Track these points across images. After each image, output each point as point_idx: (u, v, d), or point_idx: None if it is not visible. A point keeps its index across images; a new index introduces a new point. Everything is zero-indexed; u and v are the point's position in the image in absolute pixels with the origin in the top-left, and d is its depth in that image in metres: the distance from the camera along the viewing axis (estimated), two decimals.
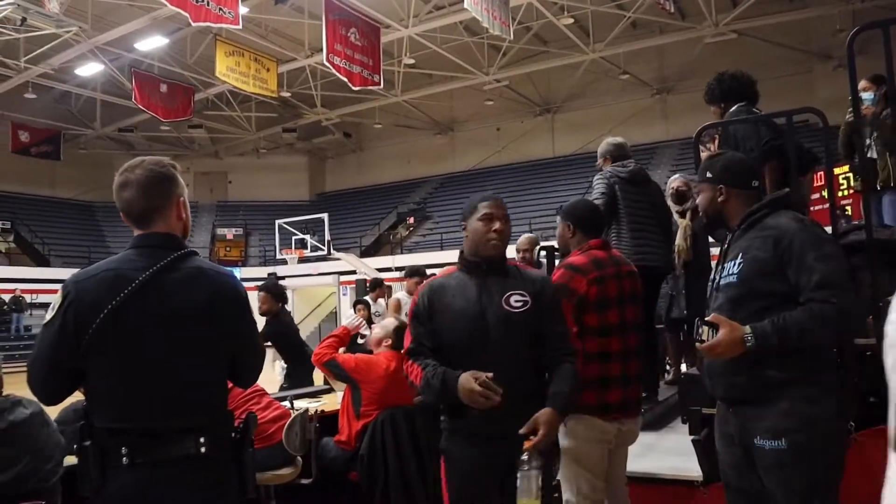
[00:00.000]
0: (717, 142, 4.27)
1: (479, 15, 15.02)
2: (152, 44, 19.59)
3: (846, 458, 2.35)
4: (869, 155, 4.61)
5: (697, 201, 2.64)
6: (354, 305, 7.96)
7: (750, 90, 4.00)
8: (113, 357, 1.91)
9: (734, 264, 2.40)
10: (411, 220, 28.18)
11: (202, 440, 1.95)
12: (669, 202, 5.14)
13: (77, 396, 2.08)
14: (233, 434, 2.10)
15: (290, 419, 3.92)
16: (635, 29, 22.41)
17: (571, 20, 20.49)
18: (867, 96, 4.72)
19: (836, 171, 6.81)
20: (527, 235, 6.17)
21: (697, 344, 2.31)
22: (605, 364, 2.97)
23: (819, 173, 11.70)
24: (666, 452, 3.98)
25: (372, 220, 29.22)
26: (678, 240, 4.89)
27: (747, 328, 2.21)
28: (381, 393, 4.20)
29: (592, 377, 2.93)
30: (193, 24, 14.17)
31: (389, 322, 4.59)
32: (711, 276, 2.57)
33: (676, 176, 5.62)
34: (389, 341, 4.43)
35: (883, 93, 4.79)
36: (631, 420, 3.08)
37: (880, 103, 4.79)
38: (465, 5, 14.71)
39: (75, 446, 1.95)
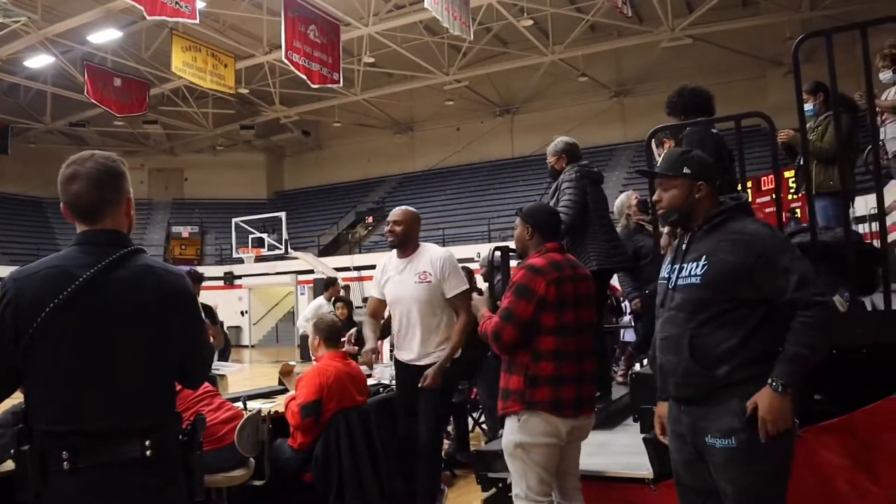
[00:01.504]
0: (670, 144, 4.36)
1: (440, 15, 15.02)
2: (106, 36, 19.14)
3: (793, 455, 2.40)
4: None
5: (663, 196, 2.58)
6: (333, 304, 7.86)
7: (708, 105, 4.12)
8: (54, 357, 1.86)
9: (697, 266, 2.42)
10: (370, 219, 28.04)
11: (148, 443, 1.91)
12: (628, 213, 5.26)
13: (16, 399, 2.02)
14: (180, 436, 2.07)
15: (243, 420, 3.87)
16: (594, 32, 22.64)
17: (531, 22, 20.62)
18: (808, 107, 4.85)
19: (786, 174, 6.96)
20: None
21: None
22: (560, 363, 3.04)
23: (769, 176, 12.03)
24: (618, 451, 4.03)
25: (330, 220, 29.02)
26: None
27: (771, 382, 2.25)
28: (339, 398, 4.20)
29: (547, 375, 3.01)
30: (149, 18, 13.91)
31: (317, 324, 4.58)
32: (664, 275, 2.59)
33: (629, 192, 5.77)
34: (319, 340, 4.45)
35: (821, 100, 4.94)
36: (584, 417, 3.16)
37: (821, 109, 4.94)
38: (426, 5, 14.70)
39: (12, 451, 1.88)
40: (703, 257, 2.41)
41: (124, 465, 1.88)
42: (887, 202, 4.09)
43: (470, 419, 6.72)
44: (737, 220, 2.45)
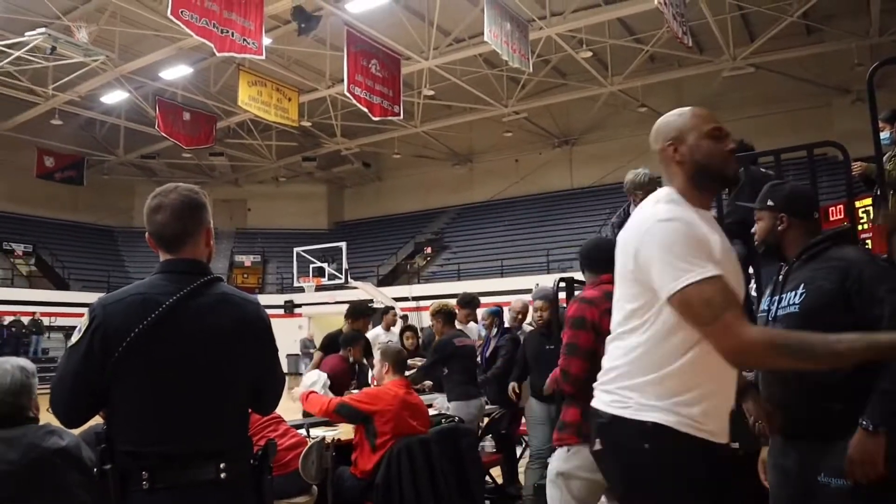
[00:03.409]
0: None
1: (499, 48, 15.16)
2: (177, 73, 19.93)
3: None
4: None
5: (755, 229, 2.63)
6: (402, 334, 7.85)
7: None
8: (138, 380, 1.93)
9: (795, 294, 2.38)
10: (429, 249, 28.22)
11: (222, 465, 1.96)
12: None
13: (97, 420, 2.09)
14: (252, 461, 2.11)
15: (307, 447, 3.92)
16: (653, 62, 22.52)
17: (590, 54, 20.63)
18: (884, 136, 4.74)
19: (858, 204, 6.76)
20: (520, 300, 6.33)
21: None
22: None
23: (836, 206, 11.71)
24: None
25: (389, 250, 29.29)
26: None
27: (861, 422, 2.18)
28: (395, 421, 4.20)
29: None
30: (218, 55, 14.40)
31: (384, 351, 4.63)
32: (764, 307, 2.54)
33: None
34: (388, 367, 4.49)
35: None
36: None
37: None
38: (486, 38, 14.87)
39: (95, 470, 1.96)
40: (801, 286, 2.37)
41: (200, 487, 1.93)
42: None
43: (518, 449, 6.67)
44: (837, 248, 2.41)
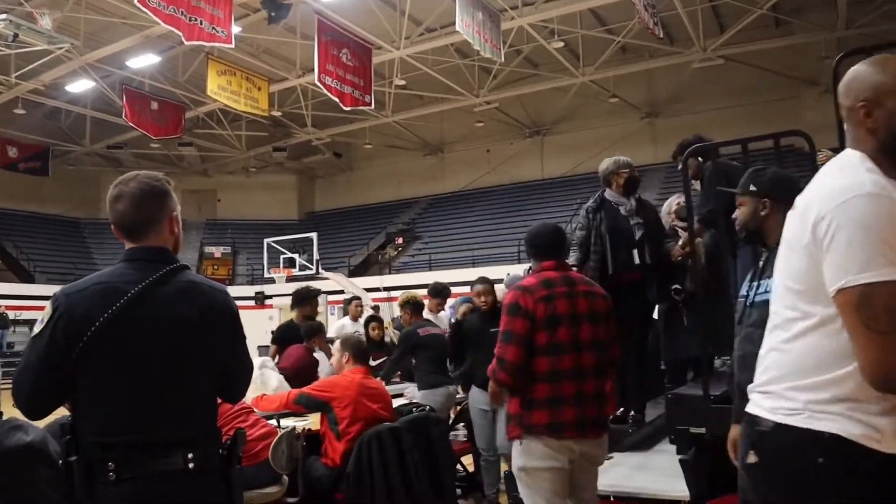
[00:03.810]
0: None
1: (471, 38, 15.14)
2: (144, 62, 19.61)
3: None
4: None
5: (736, 214, 2.63)
6: (367, 324, 7.80)
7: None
8: (103, 370, 1.90)
9: (773, 281, 2.40)
10: (400, 240, 28.18)
11: (190, 455, 1.94)
12: (671, 219, 5.15)
13: (63, 412, 2.06)
14: (221, 450, 2.10)
15: (277, 437, 3.90)
16: (625, 53, 22.66)
17: (562, 44, 20.70)
18: None
19: None
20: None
21: None
22: (555, 384, 3.00)
23: None
24: (653, 472, 3.99)
25: (361, 240, 29.21)
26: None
27: None
28: (353, 406, 4.22)
29: (543, 397, 2.99)
30: (186, 43, 14.21)
31: (344, 340, 4.68)
32: (743, 292, 2.57)
33: (675, 197, 5.64)
34: (347, 357, 4.52)
35: None
36: (590, 440, 3.08)
37: None
38: (457, 28, 14.84)
39: (60, 462, 1.93)
40: None
41: (167, 477, 1.92)
42: None
43: None
44: None
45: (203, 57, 18.84)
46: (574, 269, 4.45)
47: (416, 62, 20.73)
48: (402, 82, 22.53)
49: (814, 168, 3.57)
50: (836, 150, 3.97)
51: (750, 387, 1.79)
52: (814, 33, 19.66)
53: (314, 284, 10.23)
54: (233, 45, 14.48)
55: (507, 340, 3.05)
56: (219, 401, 2.19)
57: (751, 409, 1.75)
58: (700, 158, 4.61)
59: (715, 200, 3.97)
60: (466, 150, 29.51)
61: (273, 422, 4.42)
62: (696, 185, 5.04)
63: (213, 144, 28.19)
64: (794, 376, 1.62)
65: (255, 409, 4.25)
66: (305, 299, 6.73)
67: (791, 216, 1.72)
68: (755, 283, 2.49)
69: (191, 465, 1.94)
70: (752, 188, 2.55)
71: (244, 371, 2.22)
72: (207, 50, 17.88)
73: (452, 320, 7.07)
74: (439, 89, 23.29)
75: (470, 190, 28.98)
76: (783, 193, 2.52)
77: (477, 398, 5.37)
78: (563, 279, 3.16)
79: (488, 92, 23.50)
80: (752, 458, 1.73)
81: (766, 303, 2.39)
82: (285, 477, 4.04)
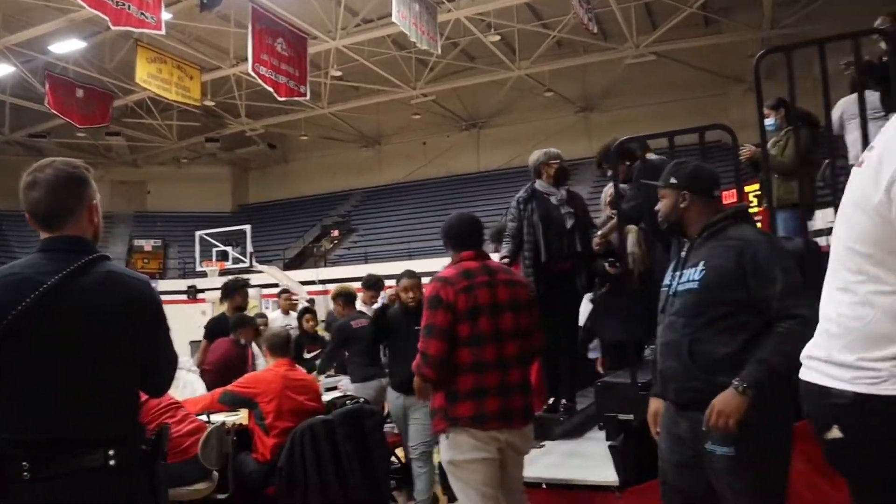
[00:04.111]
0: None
1: (408, 29, 15.07)
2: (68, 47, 18.83)
3: (790, 461, 2.44)
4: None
5: (658, 206, 2.68)
6: (301, 316, 7.69)
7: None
8: (17, 364, 1.82)
9: (695, 271, 2.46)
10: (336, 232, 27.93)
11: (111, 452, 1.88)
12: (608, 210, 5.21)
13: None
14: (144, 446, 2.04)
15: (207, 432, 3.83)
16: (560, 48, 22.90)
17: (498, 37, 20.79)
18: (769, 122, 5.00)
19: (747, 188, 7.10)
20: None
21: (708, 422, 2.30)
22: (479, 374, 3.00)
23: (731, 190, 12.23)
24: (584, 459, 4.05)
25: (296, 233, 28.84)
26: (631, 247, 4.69)
27: (734, 381, 2.27)
28: (278, 400, 4.20)
29: (467, 389, 2.99)
30: (113, 28, 13.73)
31: (263, 336, 4.68)
32: (666, 282, 2.62)
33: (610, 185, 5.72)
34: (266, 351, 4.52)
35: (782, 115, 5.07)
36: (517, 428, 3.10)
37: (782, 124, 5.08)
38: (394, 19, 14.73)
39: None
40: (702, 263, 2.46)
41: (86, 475, 1.85)
42: None
43: None
44: (735, 227, 2.50)
45: (132, 44, 18.23)
46: (506, 259, 4.50)
47: (352, 53, 20.54)
48: (339, 73, 22.28)
49: (736, 161, 3.70)
50: (759, 146, 4.11)
51: (808, 354, 1.69)
52: (740, 32, 20.27)
53: (248, 277, 10.17)
54: (163, 32, 14.04)
55: (429, 334, 3.02)
56: (145, 396, 2.13)
57: (818, 379, 1.63)
58: (627, 162, 4.67)
59: (642, 195, 4.05)
60: (403, 142, 29.40)
61: (204, 417, 4.34)
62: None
63: (143, 134, 27.35)
64: (871, 343, 1.52)
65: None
66: (234, 290, 6.65)
67: (859, 174, 1.59)
68: (678, 273, 2.56)
69: (112, 463, 1.88)
70: (673, 181, 2.61)
71: (168, 364, 2.15)
72: (136, 36, 17.27)
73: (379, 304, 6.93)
74: (376, 81, 23.12)
75: (406, 182, 28.91)
76: (702, 186, 2.60)
77: (394, 403, 5.14)
78: (482, 269, 3.14)
79: (425, 84, 23.45)
80: (835, 434, 1.60)
81: (689, 292, 2.46)
82: (215, 473, 3.98)
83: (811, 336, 2.29)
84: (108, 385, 1.93)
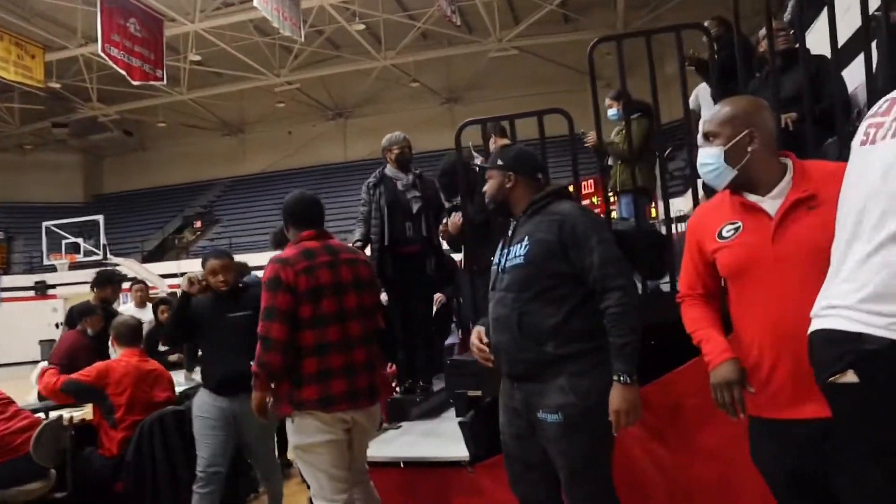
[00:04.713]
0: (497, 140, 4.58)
1: (269, 14, 14.73)
2: None
3: None
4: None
5: (486, 188, 2.76)
6: (156, 307, 7.32)
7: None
8: None
9: (521, 247, 2.55)
10: (198, 223, 26.95)
11: None
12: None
13: None
14: None
15: (39, 428, 3.62)
16: (426, 39, 23.07)
17: (363, 26, 20.70)
18: (612, 113, 5.32)
19: None
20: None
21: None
22: (323, 357, 2.99)
23: (588, 180, 12.91)
24: (439, 438, 4.12)
25: (156, 224, 27.58)
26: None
27: (617, 377, 2.38)
28: (131, 391, 4.03)
29: (311, 372, 2.97)
30: None
31: (113, 324, 4.48)
32: (496, 260, 2.70)
33: None
34: (112, 339, 4.37)
35: (621, 106, 5.39)
36: (364, 409, 3.12)
37: (623, 116, 5.39)
38: (255, 4, 14.37)
39: None
40: (526, 238, 2.55)
41: None
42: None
43: None
44: (556, 203, 2.61)
45: None
46: (358, 243, 4.52)
47: (212, 37, 19.83)
48: (198, 58, 21.46)
49: (573, 145, 3.88)
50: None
51: (830, 304, 1.67)
52: (595, 30, 21.12)
53: (122, 273, 9.63)
54: None
55: (269, 317, 2.94)
56: None
57: (847, 326, 1.60)
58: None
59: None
60: (267, 131, 28.73)
61: (42, 415, 4.10)
62: None
63: None
64: None
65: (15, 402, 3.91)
66: (108, 282, 6.34)
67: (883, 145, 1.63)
68: (505, 251, 2.67)
69: None
70: (500, 163, 2.72)
71: None
72: None
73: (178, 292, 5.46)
74: (238, 67, 22.44)
75: (271, 172, 28.29)
76: (527, 167, 2.73)
77: (204, 404, 4.01)
78: (324, 248, 3.11)
79: (289, 72, 23.01)
80: (849, 378, 1.58)
81: (515, 267, 2.58)
82: (52, 471, 3.76)
83: (636, 302, 2.47)
84: None
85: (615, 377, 2.40)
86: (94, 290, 6.30)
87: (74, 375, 4.07)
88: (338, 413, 2.99)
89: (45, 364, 5.89)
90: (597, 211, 5.34)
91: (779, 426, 2.00)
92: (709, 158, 2.08)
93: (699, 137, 2.16)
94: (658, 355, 3.00)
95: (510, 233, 2.69)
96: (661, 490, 3.14)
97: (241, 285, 4.25)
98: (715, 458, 2.97)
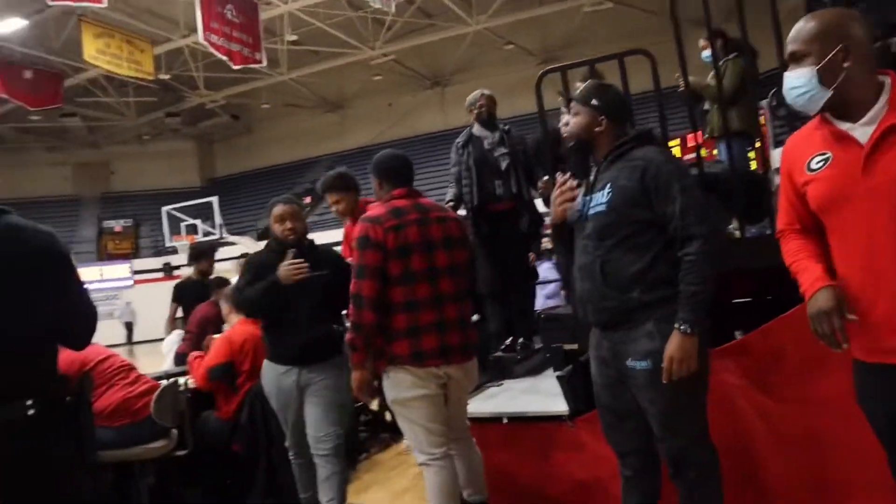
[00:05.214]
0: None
1: None
2: (10, 26, 18.30)
3: (709, 372, 2.50)
4: None
5: (569, 122, 2.66)
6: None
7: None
8: None
9: (603, 194, 2.49)
10: (308, 199, 27.75)
11: (29, 403, 1.88)
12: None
13: None
14: (67, 397, 2.04)
15: (159, 390, 3.83)
16: (517, 0, 22.67)
17: None
18: (706, 54, 5.02)
19: None
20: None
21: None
22: (413, 313, 2.99)
23: (695, 134, 12.39)
24: (540, 394, 4.10)
25: (267, 203, 28.29)
26: None
27: (678, 326, 2.32)
28: (252, 359, 4.18)
29: (402, 327, 2.98)
30: (51, 4, 13.36)
31: (228, 295, 4.61)
32: (578, 207, 2.63)
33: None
34: (229, 308, 4.48)
35: (721, 45, 5.07)
36: (457, 365, 3.09)
37: (721, 55, 5.09)
38: None
39: None
40: (608, 185, 2.48)
41: (7, 426, 1.85)
42: None
43: None
44: (639, 148, 2.52)
45: (76, 20, 17.77)
46: (451, 203, 4.51)
47: (306, 16, 20.20)
48: (295, 38, 21.92)
49: (656, 82, 3.71)
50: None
51: None
52: None
53: (223, 250, 10.08)
54: (104, 5, 13.72)
55: (361, 275, 2.96)
56: (104, 356, 2.10)
57: None
58: None
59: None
60: (367, 105, 29.13)
61: (165, 382, 4.33)
62: None
63: (100, 113, 26.83)
64: None
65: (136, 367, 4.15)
66: (202, 254, 6.68)
67: None
68: (588, 198, 2.58)
69: (30, 413, 1.88)
70: (594, 102, 2.59)
71: (81, 315, 2.13)
72: (80, 12, 16.85)
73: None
74: (334, 44, 22.80)
75: (374, 145, 28.65)
76: (621, 114, 2.61)
77: (271, 374, 3.65)
78: (413, 207, 3.10)
79: (384, 44, 23.17)
80: None
81: (598, 214, 2.50)
82: (174, 431, 3.98)
83: (716, 251, 2.35)
84: (20, 336, 1.92)
85: (676, 325, 2.32)
86: (193, 264, 6.66)
87: (209, 362, 4.22)
88: (430, 368, 3.00)
89: (174, 336, 6.30)
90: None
91: (882, 369, 1.86)
92: (798, 80, 1.88)
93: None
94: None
95: (592, 178, 2.61)
96: (765, 440, 3.01)
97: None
98: (824, 406, 2.81)
